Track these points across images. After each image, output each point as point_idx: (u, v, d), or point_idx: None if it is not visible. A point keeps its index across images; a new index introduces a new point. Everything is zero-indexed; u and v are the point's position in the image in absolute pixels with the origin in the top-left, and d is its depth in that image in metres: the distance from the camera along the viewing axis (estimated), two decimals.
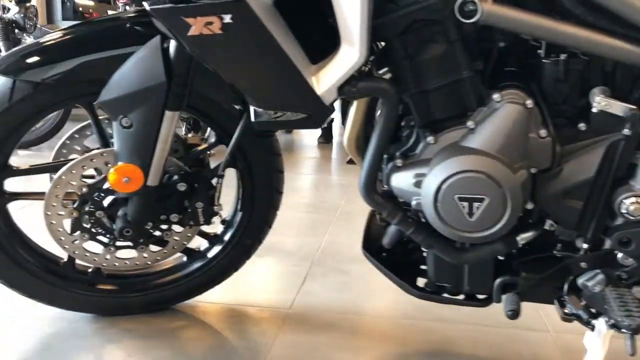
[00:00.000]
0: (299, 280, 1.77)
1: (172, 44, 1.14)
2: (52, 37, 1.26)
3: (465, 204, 0.99)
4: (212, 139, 1.43)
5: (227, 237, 1.50)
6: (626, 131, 0.97)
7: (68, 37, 1.27)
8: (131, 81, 1.17)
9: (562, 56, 1.00)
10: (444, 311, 1.47)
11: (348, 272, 1.83)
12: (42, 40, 1.25)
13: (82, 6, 6.18)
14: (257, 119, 1.04)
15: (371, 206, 1.11)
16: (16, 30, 3.86)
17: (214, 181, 1.35)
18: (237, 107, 1.31)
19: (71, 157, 1.37)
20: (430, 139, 1.04)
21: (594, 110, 0.98)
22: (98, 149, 1.33)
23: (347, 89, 1.00)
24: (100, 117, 1.34)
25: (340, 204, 2.64)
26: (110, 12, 5.85)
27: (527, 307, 1.12)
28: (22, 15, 3.85)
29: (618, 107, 0.96)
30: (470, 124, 1.01)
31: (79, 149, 1.39)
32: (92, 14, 6.07)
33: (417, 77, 1.03)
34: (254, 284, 1.75)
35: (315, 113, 1.01)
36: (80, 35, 1.27)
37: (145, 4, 1.00)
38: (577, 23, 0.94)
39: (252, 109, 1.04)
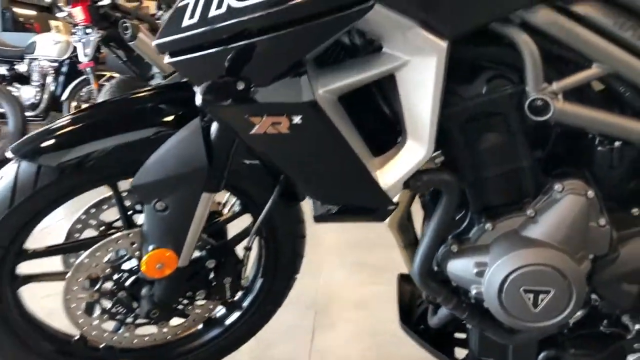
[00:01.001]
0: (307, 336, 1.73)
1: (214, 127, 1.09)
2: (76, 117, 1.18)
3: (531, 295, 0.99)
4: (236, 208, 1.38)
5: (246, 304, 1.46)
6: None
7: (96, 117, 1.19)
8: (170, 165, 1.11)
9: (617, 143, 1.01)
10: None
11: (356, 320, 1.81)
12: (63, 122, 1.17)
13: (22, 16, 5.85)
14: (319, 212, 1.00)
15: (426, 292, 1.10)
16: None
17: (241, 254, 1.31)
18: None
19: (86, 232, 1.29)
20: (488, 225, 1.03)
21: None
22: (120, 228, 1.26)
23: (412, 183, 0.98)
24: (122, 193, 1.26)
25: (325, 238, 2.62)
26: (52, 23, 5.57)
27: None
28: None
29: None
30: (530, 212, 1.02)
31: (94, 223, 1.30)
32: (34, 24, 5.76)
33: (476, 164, 1.02)
34: (258, 347, 1.69)
35: (380, 207, 0.99)
36: (108, 116, 1.19)
37: (197, 95, 0.94)
38: None
39: (313, 202, 1.00)
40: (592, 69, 0.91)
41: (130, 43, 3.09)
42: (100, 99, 3.77)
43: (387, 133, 1.03)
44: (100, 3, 3.84)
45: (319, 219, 1.01)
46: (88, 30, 3.93)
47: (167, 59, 0.94)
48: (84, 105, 4.53)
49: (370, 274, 2.19)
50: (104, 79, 4.62)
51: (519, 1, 0.86)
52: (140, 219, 1.26)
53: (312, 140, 0.93)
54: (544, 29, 0.88)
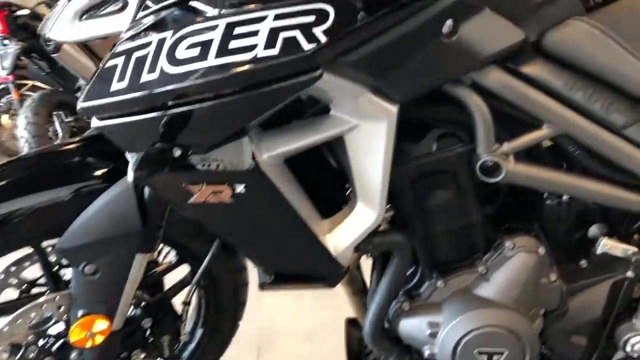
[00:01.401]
0: None
1: (148, 190, 1.01)
2: None
3: (485, 356, 0.97)
4: (172, 258, 1.29)
5: (185, 355, 1.37)
6: (629, 273, 0.99)
7: (18, 173, 1.08)
8: (100, 227, 1.01)
9: (564, 197, 1.00)
10: None
11: (302, 354, 1.76)
12: None
13: None
14: (264, 279, 0.94)
15: (378, 352, 1.06)
16: None
17: (179, 308, 1.23)
18: None
19: (6, 293, 1.17)
20: (440, 283, 1.00)
21: (598, 252, 0.99)
22: (46, 291, 1.15)
23: (363, 247, 0.94)
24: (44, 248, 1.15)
25: None
26: None
27: None
28: None
29: (621, 250, 0.99)
30: (481, 269, 0.99)
31: (15, 282, 1.19)
32: None
33: (426, 221, 0.98)
34: None
35: (330, 274, 0.94)
36: (31, 172, 1.08)
37: (129, 169, 0.85)
38: (593, 176, 0.94)
39: (259, 271, 0.94)
40: (543, 129, 0.89)
41: (53, 55, 2.90)
42: (22, 114, 3.51)
43: (335, 191, 0.98)
44: (18, 12, 3.60)
45: (264, 286, 0.95)
46: (6, 42, 3.66)
47: (94, 123, 0.85)
48: (3, 117, 4.27)
49: (315, 300, 2.14)
50: (25, 88, 4.34)
51: (469, 64, 0.82)
52: (68, 273, 1.16)
53: (257, 209, 0.87)
54: (494, 91, 0.86)
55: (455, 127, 0.92)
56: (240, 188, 0.84)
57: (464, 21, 0.78)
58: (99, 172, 1.08)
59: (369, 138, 0.85)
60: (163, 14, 0.82)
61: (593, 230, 1.02)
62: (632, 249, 0.98)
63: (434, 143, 0.93)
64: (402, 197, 0.96)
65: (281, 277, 0.95)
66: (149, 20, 0.83)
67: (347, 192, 1.00)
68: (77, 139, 1.12)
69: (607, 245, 0.98)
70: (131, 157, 0.81)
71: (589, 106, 0.88)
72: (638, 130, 0.90)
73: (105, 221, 1.01)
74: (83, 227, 1.02)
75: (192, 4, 0.81)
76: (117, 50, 0.81)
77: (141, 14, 0.85)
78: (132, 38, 0.81)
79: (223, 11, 0.78)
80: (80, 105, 0.83)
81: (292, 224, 0.89)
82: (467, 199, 0.97)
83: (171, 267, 1.28)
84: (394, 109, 0.83)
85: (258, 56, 0.73)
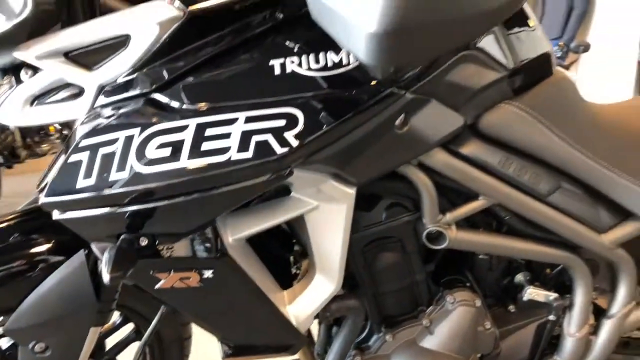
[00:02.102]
0: None
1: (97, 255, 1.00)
2: None
3: None
4: (117, 319, 1.28)
5: None
6: (551, 316, 1.12)
7: None
8: (52, 306, 0.99)
9: None
10: None
11: None
12: None
13: None
14: (226, 351, 0.97)
15: None
16: None
17: None
18: None
19: None
20: (388, 336, 1.08)
21: (525, 299, 1.11)
22: None
23: (322, 314, 0.99)
24: None
25: None
26: None
27: None
28: None
29: (543, 296, 1.11)
30: (425, 322, 1.08)
31: None
32: None
33: (375, 281, 1.06)
34: None
35: (292, 343, 0.99)
36: None
37: (104, 273, 0.83)
38: (522, 237, 1.05)
39: (221, 344, 0.97)
40: (480, 200, 0.99)
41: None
42: None
43: (288, 259, 1.03)
44: None
45: (226, 358, 0.98)
46: None
47: (56, 215, 0.84)
48: None
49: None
50: None
51: (418, 150, 0.90)
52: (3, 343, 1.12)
53: (224, 290, 0.90)
54: (438, 169, 0.94)
55: (402, 198, 1.00)
56: (208, 273, 0.87)
57: (414, 114, 0.86)
58: (45, 247, 1.06)
59: (329, 217, 0.90)
60: (125, 106, 0.83)
61: (519, 277, 1.14)
62: (552, 295, 1.11)
63: (384, 212, 1.01)
64: (354, 262, 1.03)
65: (243, 347, 0.98)
66: (109, 112, 0.83)
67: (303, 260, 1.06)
68: (14, 214, 1.08)
69: (532, 294, 1.10)
70: (103, 259, 0.80)
71: (519, 179, 0.98)
72: (559, 196, 1.02)
73: (58, 299, 1.00)
74: (34, 307, 1.00)
75: (154, 96, 0.83)
76: (80, 145, 0.81)
77: (99, 102, 0.85)
78: (96, 132, 0.81)
79: (189, 106, 0.80)
80: (45, 200, 0.82)
81: (256, 300, 0.93)
82: (412, 261, 1.05)
83: (116, 328, 1.27)
84: (352, 191, 0.89)
85: (232, 159, 0.76)
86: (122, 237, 0.83)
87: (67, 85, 0.87)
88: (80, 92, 0.87)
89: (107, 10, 0.96)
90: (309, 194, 0.89)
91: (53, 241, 1.06)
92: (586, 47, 3.87)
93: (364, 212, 1.00)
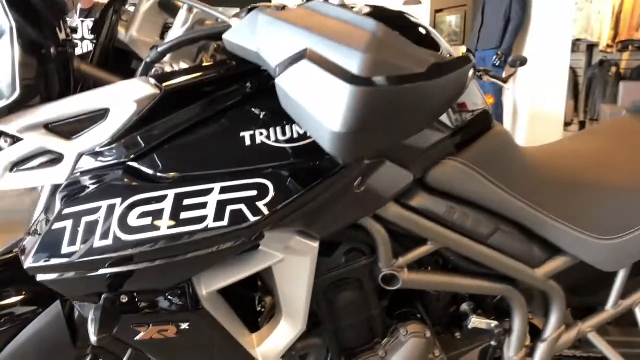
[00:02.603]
0: None
1: (77, 310, 1.06)
2: None
3: None
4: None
5: None
6: (493, 342, 1.25)
7: None
8: (30, 357, 1.05)
9: None
10: None
11: None
12: None
13: None
14: None
15: None
16: None
17: None
18: None
19: None
20: None
21: (469, 327, 1.23)
22: None
23: (287, 354, 1.08)
24: None
25: None
26: None
27: None
28: None
29: (486, 324, 1.24)
30: (381, 353, 1.18)
31: None
32: None
33: (335, 319, 1.16)
34: None
35: None
36: None
37: (91, 336, 0.88)
38: (467, 274, 1.17)
39: None
40: (428, 245, 1.10)
41: None
42: None
43: (254, 302, 1.11)
44: None
45: None
46: None
47: (40, 277, 0.90)
48: None
49: None
50: None
51: (374, 206, 1.00)
52: None
53: (199, 339, 0.98)
54: (391, 221, 1.04)
55: (360, 244, 1.10)
56: (184, 325, 0.94)
57: (370, 175, 0.96)
58: (19, 298, 1.10)
59: (294, 268, 1.00)
60: (105, 174, 0.89)
61: (463, 307, 1.26)
62: (494, 322, 1.24)
63: (343, 257, 1.10)
64: (316, 302, 1.12)
65: None
66: (90, 180, 0.89)
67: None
68: None
69: (476, 322, 1.23)
70: (89, 320, 0.86)
71: (462, 225, 1.10)
72: (498, 237, 1.14)
73: (35, 350, 1.05)
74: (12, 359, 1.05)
75: (132, 165, 0.90)
76: (64, 213, 0.87)
77: (79, 169, 0.91)
78: (78, 201, 0.87)
79: (166, 175, 0.88)
80: (29, 265, 0.87)
81: (228, 346, 1.01)
82: (369, 298, 1.15)
83: None
84: (315, 244, 0.98)
85: (209, 227, 0.84)
86: (104, 296, 0.90)
87: (47, 151, 0.92)
88: (59, 158, 0.93)
89: (81, 76, 1.02)
90: (276, 248, 0.98)
91: (25, 293, 1.10)
92: (523, 62, 4.08)
93: (326, 257, 1.09)
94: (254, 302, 1.15)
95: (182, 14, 0.98)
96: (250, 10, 0.86)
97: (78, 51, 1.22)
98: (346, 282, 1.13)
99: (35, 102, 0.90)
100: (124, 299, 0.91)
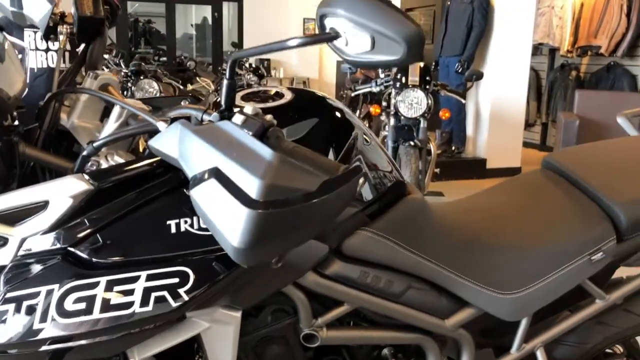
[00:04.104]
0: None
1: None
2: None
3: None
4: None
5: None
6: None
7: None
8: None
9: None
10: None
11: None
12: None
13: None
14: None
15: None
16: None
17: None
18: None
19: None
20: None
21: None
22: None
23: None
24: None
25: None
26: None
27: None
28: None
29: None
30: None
31: None
32: None
33: None
34: None
35: None
36: None
37: None
38: (381, 328, 1.31)
39: None
40: (345, 306, 1.23)
41: None
42: None
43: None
44: None
45: None
46: None
47: None
48: None
49: None
50: None
51: (293, 277, 1.13)
52: None
53: None
54: (310, 288, 1.17)
55: (284, 305, 1.23)
56: None
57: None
58: None
59: (220, 335, 1.12)
60: (45, 260, 1.00)
61: (384, 351, 1.40)
62: None
63: (269, 316, 1.23)
64: (245, 357, 1.25)
65: None
66: (31, 264, 1.00)
67: None
68: None
69: None
70: None
71: (375, 286, 1.23)
72: (410, 295, 1.28)
73: None
74: None
75: (70, 250, 1.01)
76: (7, 297, 0.98)
77: (22, 252, 1.02)
78: (20, 285, 0.98)
79: (100, 261, 0.99)
80: None
81: None
82: (295, 351, 1.28)
83: None
84: (238, 314, 1.10)
85: (135, 312, 0.96)
86: None
87: None
88: (4, 243, 1.04)
89: (27, 158, 1.12)
90: (202, 318, 1.10)
91: None
92: (479, 76, 4.24)
93: (253, 317, 1.22)
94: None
95: (116, 109, 1.09)
96: (172, 121, 0.97)
97: (32, 62, 1.30)
98: (272, 339, 1.25)
99: None
100: None
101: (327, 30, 0.91)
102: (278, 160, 0.84)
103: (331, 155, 1.17)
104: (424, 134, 4.13)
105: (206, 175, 0.87)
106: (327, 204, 0.88)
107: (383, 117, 4.64)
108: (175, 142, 0.94)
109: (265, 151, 0.84)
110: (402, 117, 4.10)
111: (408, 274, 1.27)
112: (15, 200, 1.00)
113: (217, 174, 0.86)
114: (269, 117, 0.99)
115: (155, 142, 0.96)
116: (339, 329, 1.27)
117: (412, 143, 4.05)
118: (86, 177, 0.99)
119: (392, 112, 4.19)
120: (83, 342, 0.98)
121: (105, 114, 1.19)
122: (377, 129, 4.85)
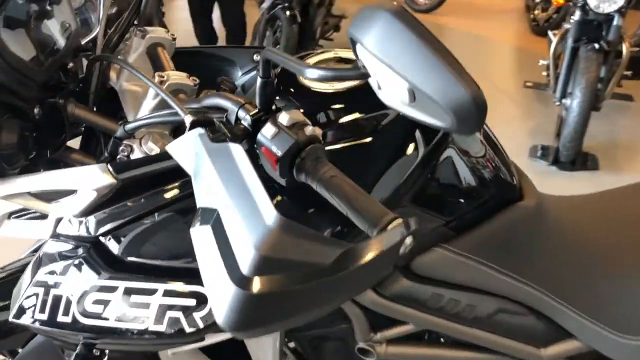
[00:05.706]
0: None
1: None
2: None
3: None
4: None
5: None
6: None
7: None
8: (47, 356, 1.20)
9: None
10: None
11: None
12: None
13: None
14: None
15: None
16: None
17: None
18: None
19: None
20: None
21: None
22: None
23: None
24: None
25: None
26: None
27: None
28: None
29: None
30: None
31: None
32: None
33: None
34: None
35: None
36: None
37: None
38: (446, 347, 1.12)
39: None
40: (409, 325, 1.05)
41: None
42: None
43: None
44: None
45: None
46: None
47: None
48: None
49: None
50: None
51: (352, 293, 0.95)
52: None
53: None
54: (366, 306, 1.00)
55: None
56: None
57: None
58: None
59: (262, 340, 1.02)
60: (76, 247, 0.94)
61: None
62: None
63: (326, 318, 1.09)
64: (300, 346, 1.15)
65: None
66: (63, 247, 0.95)
67: None
68: None
69: None
70: None
71: (451, 310, 1.02)
72: (497, 319, 1.05)
73: (52, 350, 1.20)
74: None
75: (100, 239, 0.93)
76: (38, 279, 0.95)
77: (59, 231, 0.97)
78: (52, 271, 0.94)
79: (129, 258, 0.91)
80: (12, 320, 0.98)
81: None
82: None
83: None
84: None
85: (148, 329, 0.87)
86: (79, 348, 0.99)
87: None
88: (44, 217, 1.00)
89: (76, 120, 1.04)
90: None
91: None
92: None
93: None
94: None
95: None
96: (193, 125, 0.79)
97: None
98: (328, 340, 1.13)
99: (17, 168, 0.94)
100: (96, 352, 0.99)
101: (358, 63, 0.65)
102: (280, 225, 0.63)
103: (417, 148, 0.92)
104: (615, 34, 3.41)
105: (205, 218, 0.70)
106: (348, 278, 0.68)
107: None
108: (191, 154, 0.77)
109: (268, 211, 0.64)
110: (591, 12, 3.41)
111: (496, 295, 1.04)
112: (46, 185, 0.92)
113: (215, 221, 0.68)
114: (309, 129, 0.77)
115: (172, 149, 0.80)
116: (403, 345, 1.10)
117: (597, 46, 3.38)
118: (110, 168, 0.88)
119: (579, 3, 3.49)
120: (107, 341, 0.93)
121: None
122: (561, 20, 4.13)
